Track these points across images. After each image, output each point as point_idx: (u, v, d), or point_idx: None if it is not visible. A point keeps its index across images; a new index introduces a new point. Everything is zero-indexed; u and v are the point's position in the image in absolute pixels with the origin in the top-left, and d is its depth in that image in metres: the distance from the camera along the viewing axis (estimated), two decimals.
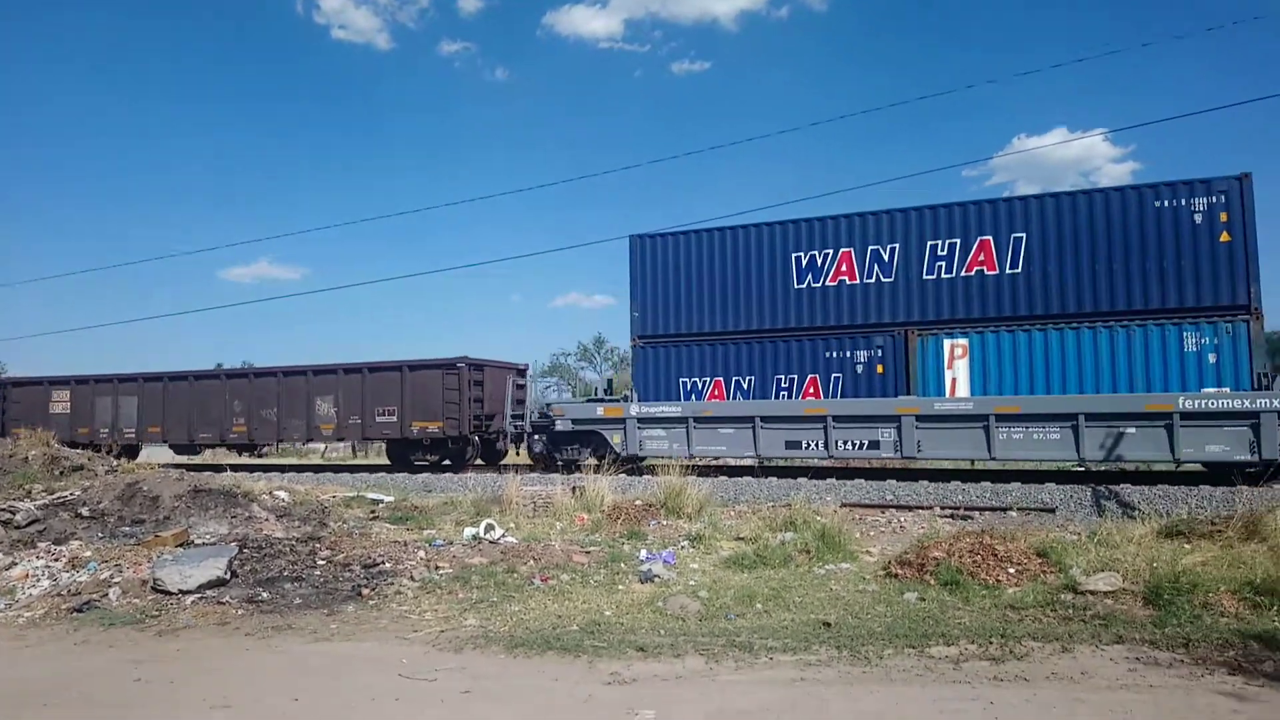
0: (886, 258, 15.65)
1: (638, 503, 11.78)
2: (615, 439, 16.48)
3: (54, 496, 11.09)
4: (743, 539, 9.69)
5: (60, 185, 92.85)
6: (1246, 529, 8.28)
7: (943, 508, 12.47)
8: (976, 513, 12.04)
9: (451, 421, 18.96)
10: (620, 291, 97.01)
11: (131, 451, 21.63)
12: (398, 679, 5.40)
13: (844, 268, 15.97)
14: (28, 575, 8.26)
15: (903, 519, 11.55)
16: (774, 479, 15.66)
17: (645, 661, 5.63)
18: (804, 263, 16.21)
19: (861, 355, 15.75)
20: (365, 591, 7.64)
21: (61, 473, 12.63)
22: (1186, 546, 8.15)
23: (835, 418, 14.87)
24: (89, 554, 8.84)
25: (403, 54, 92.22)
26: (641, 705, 4.77)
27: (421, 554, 8.94)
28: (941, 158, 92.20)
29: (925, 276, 15.37)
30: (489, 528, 10.07)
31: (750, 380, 16.42)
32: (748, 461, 16.67)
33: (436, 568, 8.40)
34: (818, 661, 5.55)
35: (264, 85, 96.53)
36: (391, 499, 13.38)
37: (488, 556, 8.80)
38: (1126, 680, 5.06)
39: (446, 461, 19.72)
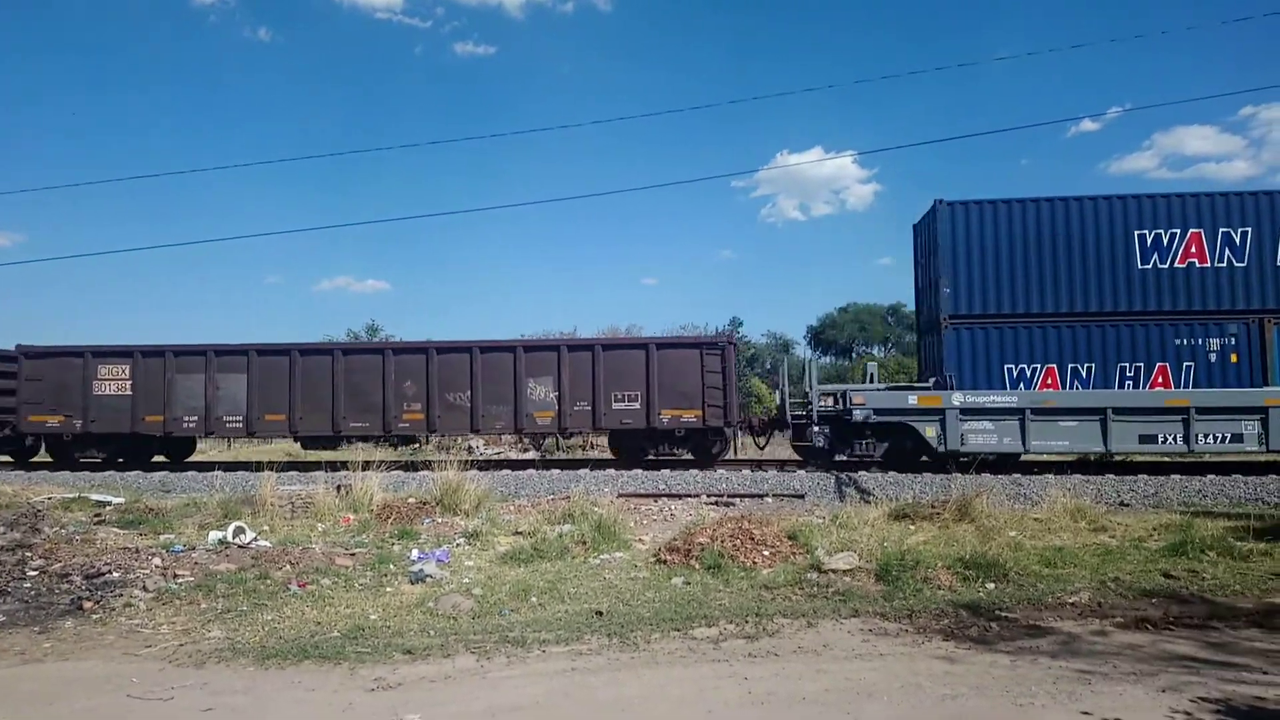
0: (1238, 241, 15.26)
1: (410, 500, 11.37)
2: (930, 431, 14.72)
3: None
4: (521, 533, 9.65)
5: None
6: (959, 511, 9.54)
7: (709, 495, 13.20)
8: (738, 499, 12.87)
9: (714, 410, 16.10)
10: (396, 277, 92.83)
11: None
12: (126, 700, 4.81)
13: (1193, 249, 15.35)
14: None
15: (673, 507, 12.07)
16: (556, 471, 15.79)
17: (413, 664, 5.44)
18: (1148, 241, 15.42)
19: (1214, 343, 15.12)
20: (87, 605, 6.73)
21: None
22: (912, 528, 9.24)
23: (1198, 409, 14.02)
24: None
25: (149, 2, 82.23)
26: (407, 710, 4.60)
27: (157, 561, 8.03)
28: (714, 166, 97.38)
29: None
30: (238, 531, 9.24)
31: (1090, 368, 15.26)
32: (1093, 455, 15.64)
33: (175, 576, 7.58)
34: (589, 650, 5.65)
35: None
36: (121, 500, 11.88)
37: (236, 562, 8.08)
38: (861, 650, 5.63)
39: (688, 456, 16.75)
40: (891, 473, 14.87)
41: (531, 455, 21.66)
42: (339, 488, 11.73)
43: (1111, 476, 13.95)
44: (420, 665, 5.41)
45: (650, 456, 16.54)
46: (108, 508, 11.19)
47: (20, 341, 17.61)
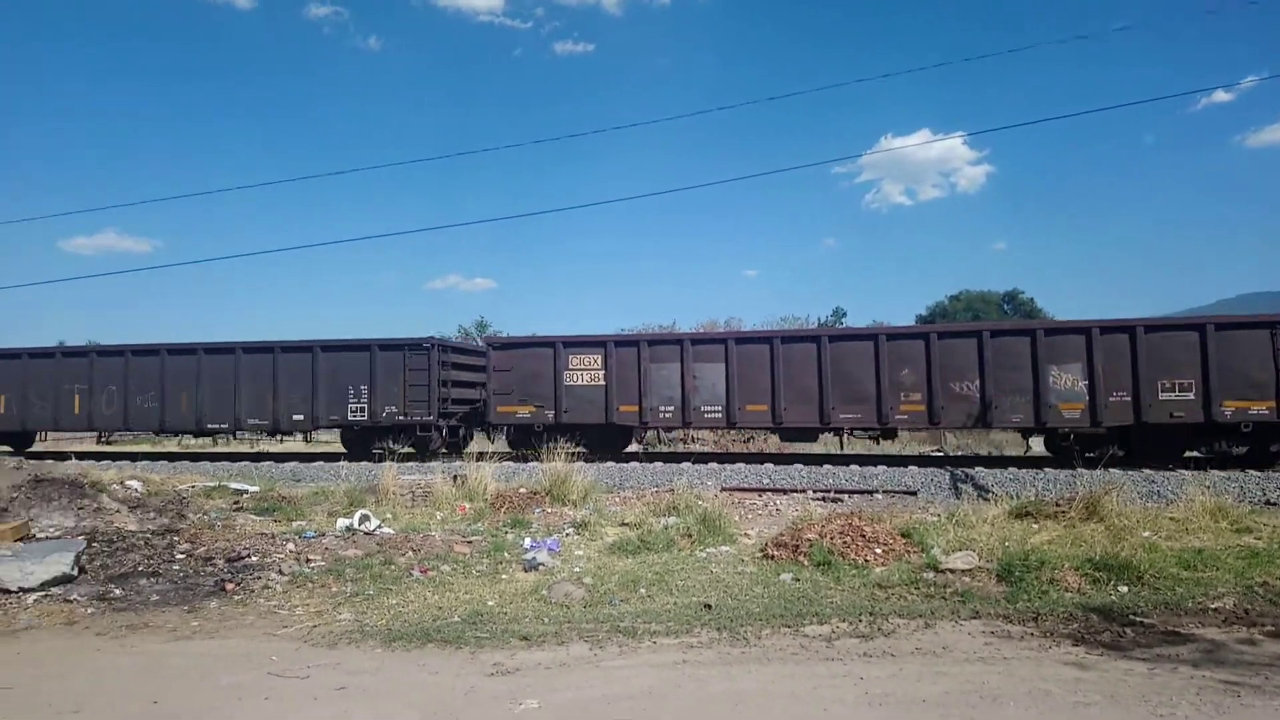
0: None
1: (521, 490, 11.68)
2: None
3: None
4: (627, 524, 9.78)
5: None
6: (1086, 509, 9.04)
7: (815, 491, 13.00)
8: (846, 495, 12.62)
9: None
10: (502, 275, 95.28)
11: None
12: (267, 677, 5.15)
13: None
14: None
15: (779, 502, 11.95)
16: (659, 464, 15.89)
17: (529, 650, 5.60)
18: None
19: None
20: (230, 586, 7.23)
21: None
22: (1035, 526, 8.82)
23: None
24: None
25: (265, 16, 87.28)
26: (525, 695, 4.74)
27: (291, 546, 8.55)
28: (814, 153, 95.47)
29: None
30: (364, 518, 9.73)
31: None
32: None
33: (307, 560, 8.05)
34: (699, 643, 5.67)
35: (116, 44, 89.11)
36: (257, 489, 12.70)
37: (363, 548, 8.51)
38: (983, 653, 5.43)
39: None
40: (1011, 469, 14.26)
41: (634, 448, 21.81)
42: (455, 477, 12.17)
43: (1255, 474, 12.93)
44: (536, 652, 5.56)
45: (1202, 455, 14.62)
46: (245, 495, 11.99)
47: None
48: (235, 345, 18.89)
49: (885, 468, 14.89)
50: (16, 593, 6.88)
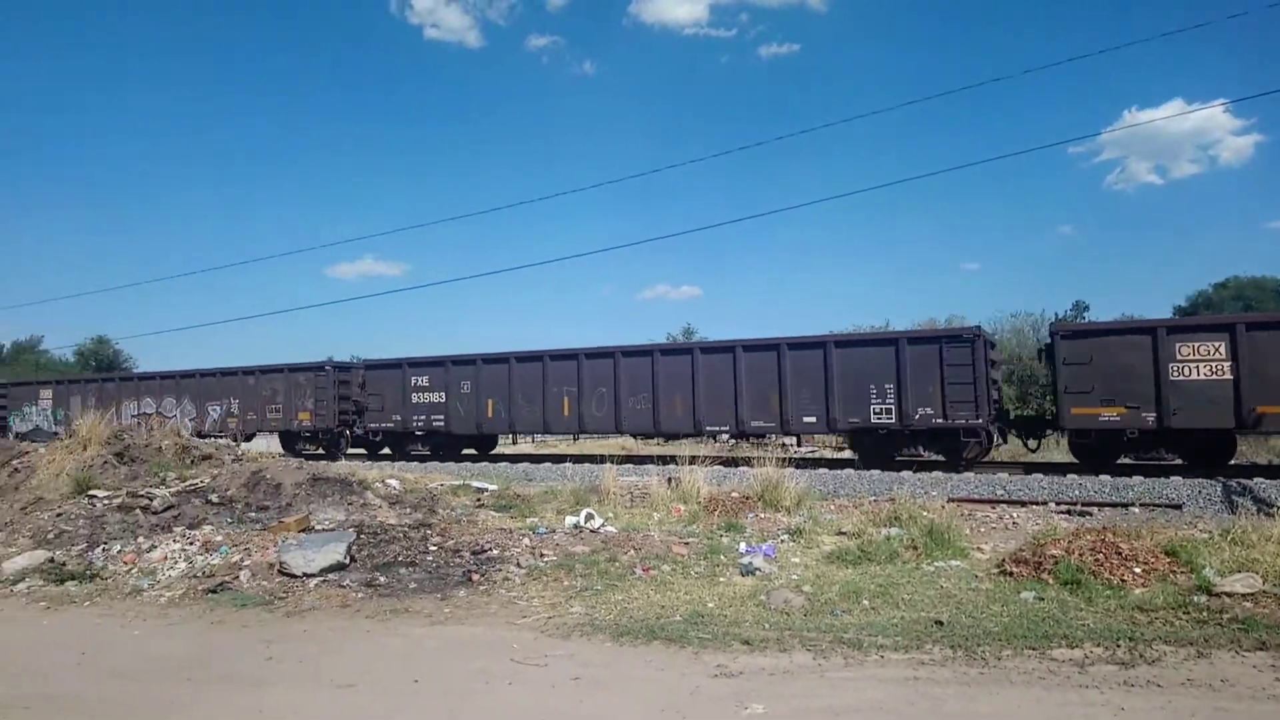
0: None
1: (734, 495, 11.73)
2: None
3: (186, 484, 11.86)
4: (845, 534, 9.51)
5: (175, 189, 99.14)
6: None
7: (1058, 503, 11.93)
8: (1095, 508, 11.48)
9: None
10: (708, 282, 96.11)
11: None
12: (511, 663, 5.55)
13: None
14: (166, 557, 8.86)
15: (1015, 515, 11.10)
16: (876, 472, 15.33)
17: (751, 655, 5.61)
18: None
19: None
20: (475, 577, 7.88)
21: (192, 461, 13.49)
22: None
23: None
24: (220, 538, 9.41)
25: (492, 51, 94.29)
26: (750, 699, 4.76)
27: (526, 541, 9.15)
28: (1043, 135, 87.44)
29: None
30: (589, 517, 10.22)
31: None
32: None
33: (541, 555, 8.59)
34: (931, 661, 5.40)
35: (362, 85, 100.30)
36: (495, 487, 13.74)
37: (589, 545, 8.93)
38: (1274, 690, 4.72)
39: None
40: None
41: (848, 454, 21.18)
42: (669, 480, 12.46)
43: None
44: (758, 657, 5.56)
45: None
46: (485, 494, 13.03)
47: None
48: (734, 344, 18.14)
49: (1142, 478, 13.38)
50: (301, 577, 7.92)
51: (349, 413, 23.66)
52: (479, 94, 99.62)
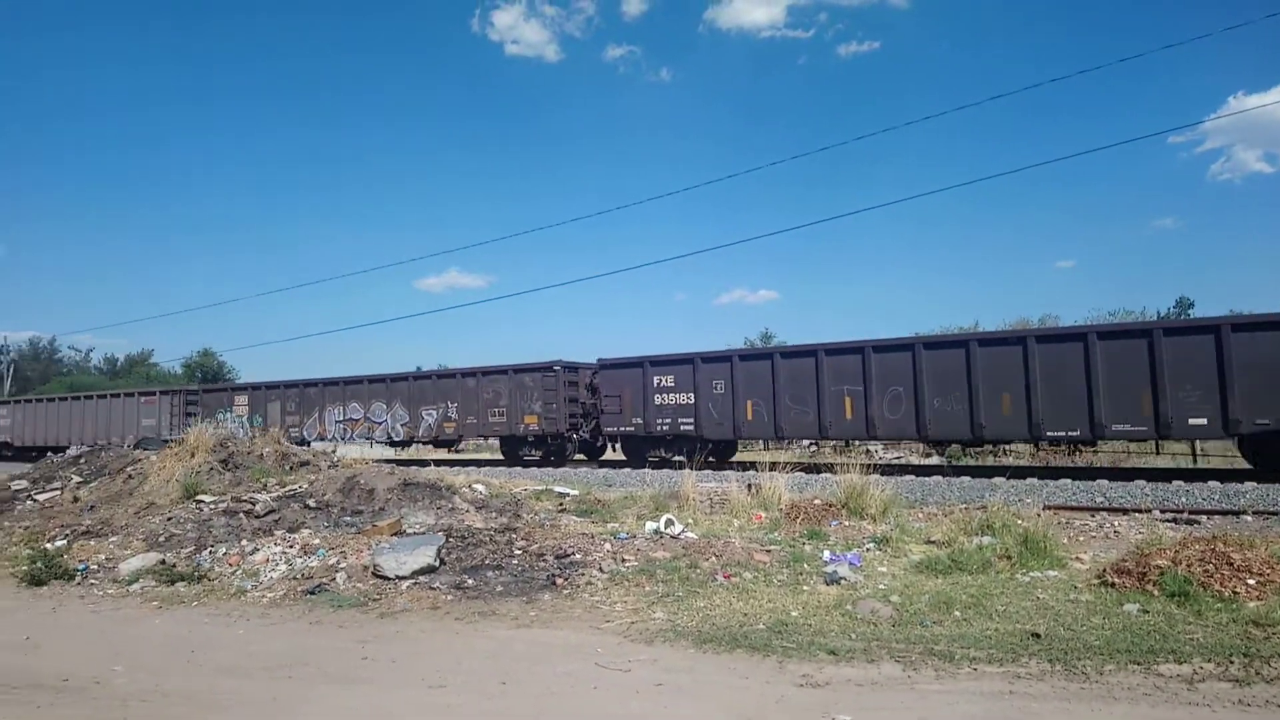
0: None
1: (816, 501, 11.55)
2: None
3: (285, 489, 12.42)
4: (934, 542, 9.26)
5: (272, 208, 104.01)
6: None
7: (1163, 511, 11.36)
8: (1204, 516, 10.86)
9: None
10: (784, 286, 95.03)
11: None
12: (595, 668, 5.61)
13: None
14: (268, 560, 9.29)
15: (1116, 523, 10.59)
16: (966, 479, 14.88)
17: (837, 665, 5.52)
18: None
19: None
20: (559, 581, 7.99)
21: (291, 468, 14.13)
22: None
23: None
24: (317, 541, 9.81)
25: (571, 63, 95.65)
26: (837, 710, 4.68)
27: (608, 546, 9.23)
28: (1141, 125, 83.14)
29: None
30: (669, 523, 10.22)
31: None
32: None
33: (622, 560, 8.64)
34: (1028, 675, 5.20)
35: (447, 104, 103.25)
36: (576, 492, 13.90)
37: (669, 551, 8.94)
38: None
39: None
40: None
41: (935, 461, 20.56)
42: (749, 486, 12.37)
43: None
44: (845, 667, 5.47)
45: None
46: (567, 498, 13.20)
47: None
48: (1085, 330, 15.54)
49: (1255, 485, 12.58)
50: (394, 580, 8.19)
51: (577, 415, 22.61)
52: (558, 106, 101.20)
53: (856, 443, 21.49)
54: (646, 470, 17.32)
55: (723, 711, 4.79)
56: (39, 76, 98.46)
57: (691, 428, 20.14)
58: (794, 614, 6.80)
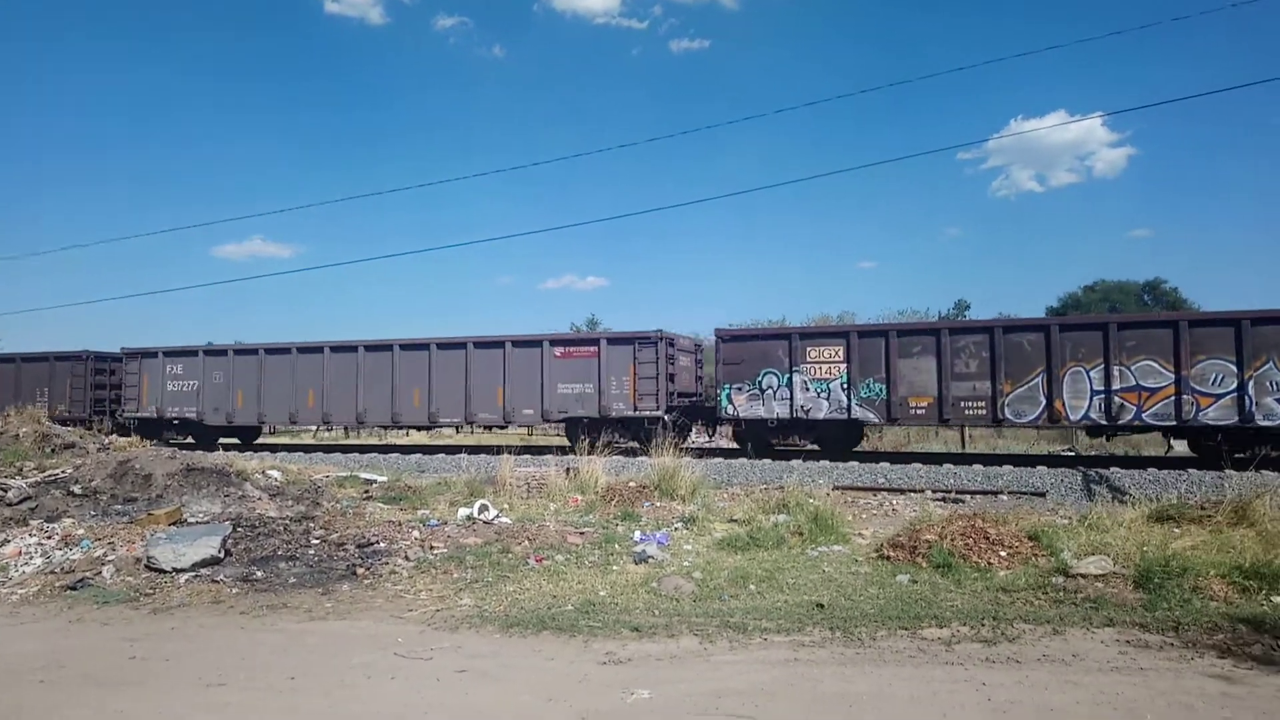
0: None
1: (631, 484, 11.82)
2: None
3: (45, 474, 11.05)
4: (736, 521, 9.73)
5: (51, 162, 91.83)
6: (1235, 514, 8.37)
7: (934, 491, 12.56)
8: (968, 496, 12.14)
9: None
10: (614, 273, 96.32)
11: None
12: (394, 658, 5.42)
13: None
14: (20, 552, 8.23)
15: (895, 502, 11.62)
16: (768, 461, 15.73)
17: (640, 642, 5.67)
18: None
19: None
20: (360, 571, 7.65)
21: (53, 450, 12.59)
22: (1176, 531, 8.23)
23: None
24: (82, 532, 8.82)
25: (397, 29, 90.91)
26: (637, 685, 4.80)
27: (416, 534, 8.95)
28: (937, 139, 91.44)
29: None
30: (483, 508, 10.08)
31: None
32: None
33: (431, 547, 8.42)
34: (811, 642, 5.60)
35: (256, 59, 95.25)
36: (385, 479, 13.37)
37: (482, 537, 8.82)
38: (1118, 662, 5.11)
39: None
40: (1151, 469, 13.36)
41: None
42: (568, 470, 12.44)
43: None
44: (647, 643, 5.63)
45: None
46: (374, 485, 12.65)
47: None
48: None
49: (1011, 468, 14.24)
50: (170, 573, 7.51)
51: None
52: (381, 73, 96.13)
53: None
54: (463, 456, 16.91)
55: (526, 693, 4.78)
56: None
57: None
58: (602, 594, 6.91)
